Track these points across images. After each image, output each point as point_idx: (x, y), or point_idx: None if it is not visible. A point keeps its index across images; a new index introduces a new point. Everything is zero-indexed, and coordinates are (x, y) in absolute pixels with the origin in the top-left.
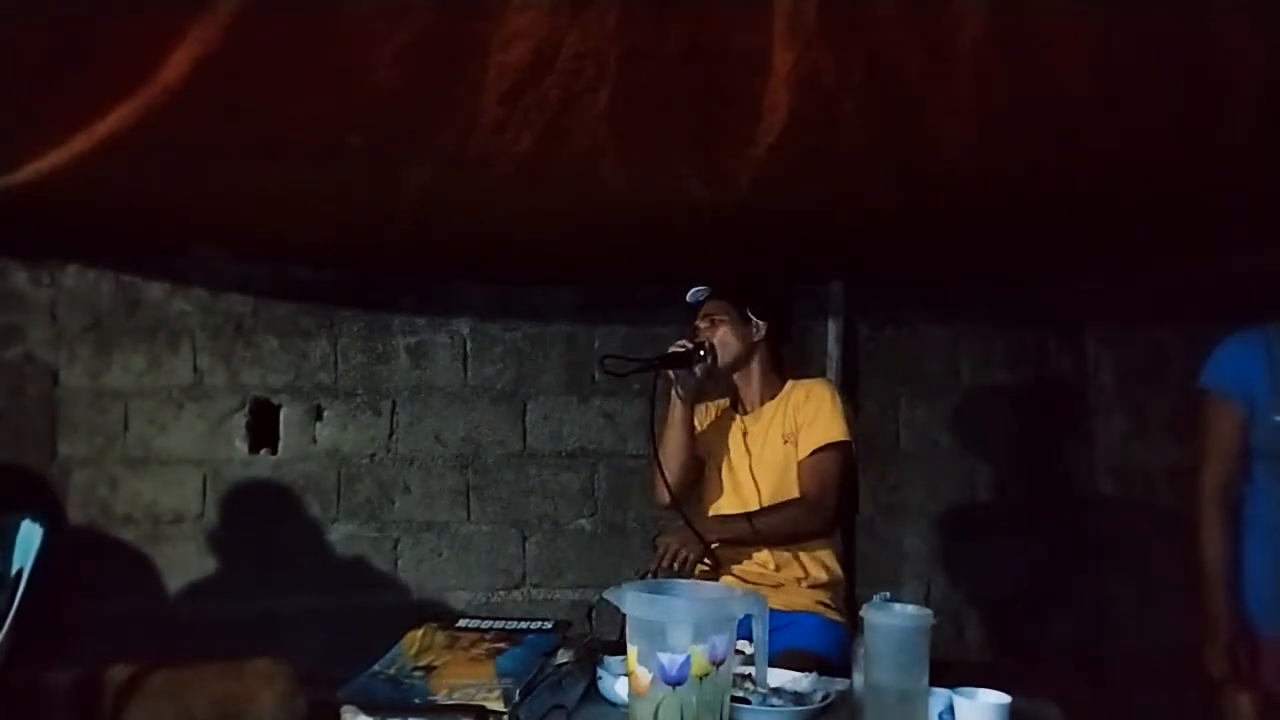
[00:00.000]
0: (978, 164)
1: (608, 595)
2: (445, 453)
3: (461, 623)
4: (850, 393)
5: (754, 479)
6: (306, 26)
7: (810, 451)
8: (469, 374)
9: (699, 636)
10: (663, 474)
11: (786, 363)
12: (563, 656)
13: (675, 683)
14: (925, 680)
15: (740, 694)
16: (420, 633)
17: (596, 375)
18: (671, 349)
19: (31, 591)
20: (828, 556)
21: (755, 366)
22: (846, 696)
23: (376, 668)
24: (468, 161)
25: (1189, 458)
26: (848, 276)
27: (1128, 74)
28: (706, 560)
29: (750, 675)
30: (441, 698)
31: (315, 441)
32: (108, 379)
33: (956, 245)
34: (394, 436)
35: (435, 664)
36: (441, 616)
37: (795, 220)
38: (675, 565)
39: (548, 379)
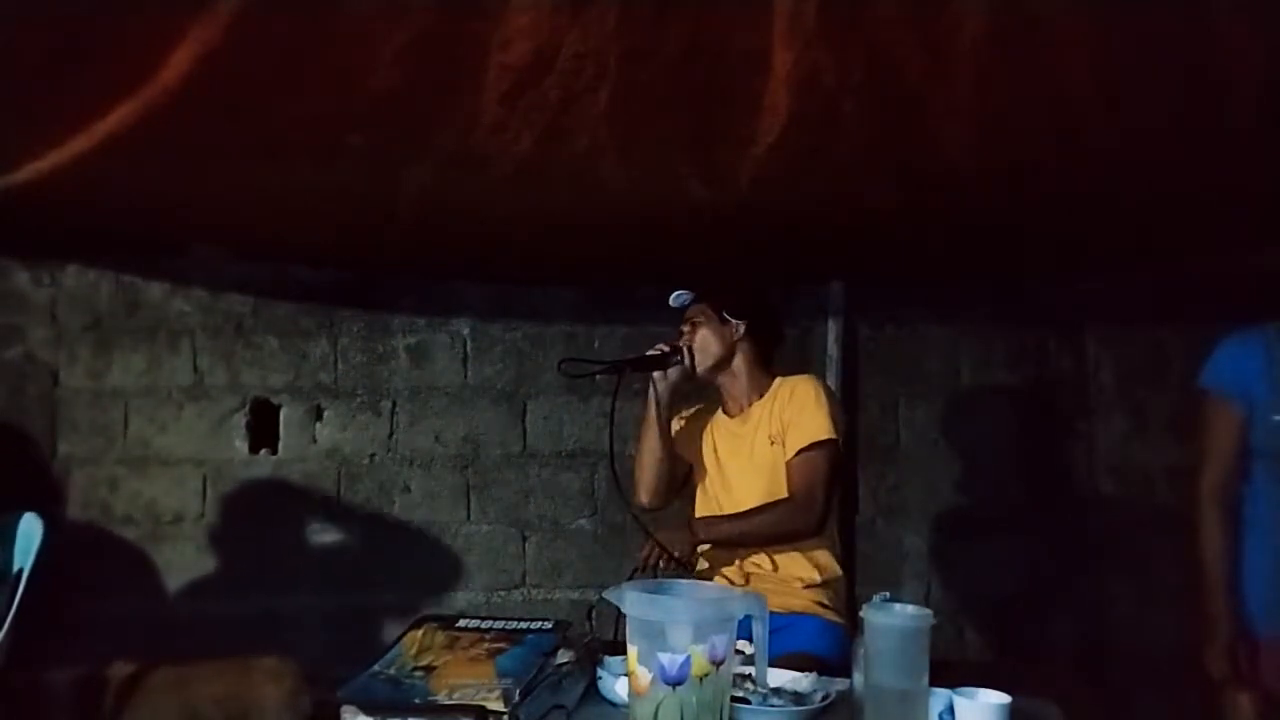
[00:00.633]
0: (978, 164)
1: (608, 595)
2: (445, 453)
3: (461, 623)
4: (850, 393)
5: (744, 481)
6: (306, 26)
7: (796, 451)
8: (469, 374)
9: (699, 636)
10: (618, 477)
11: (780, 362)
12: (563, 656)
13: (675, 683)
14: (925, 680)
15: (740, 694)
16: (420, 633)
17: (597, 376)
18: (649, 352)
19: (32, 591)
20: (825, 556)
21: (740, 366)
22: (846, 696)
23: (376, 668)
24: (468, 161)
25: (1189, 458)
26: (848, 276)
27: (1128, 74)
28: (688, 562)
29: (750, 675)
30: (441, 698)
31: (315, 441)
32: (108, 379)
33: (956, 245)
34: (394, 436)
35: (435, 664)
36: (441, 616)
37: (795, 220)
38: (662, 565)
39: (548, 379)
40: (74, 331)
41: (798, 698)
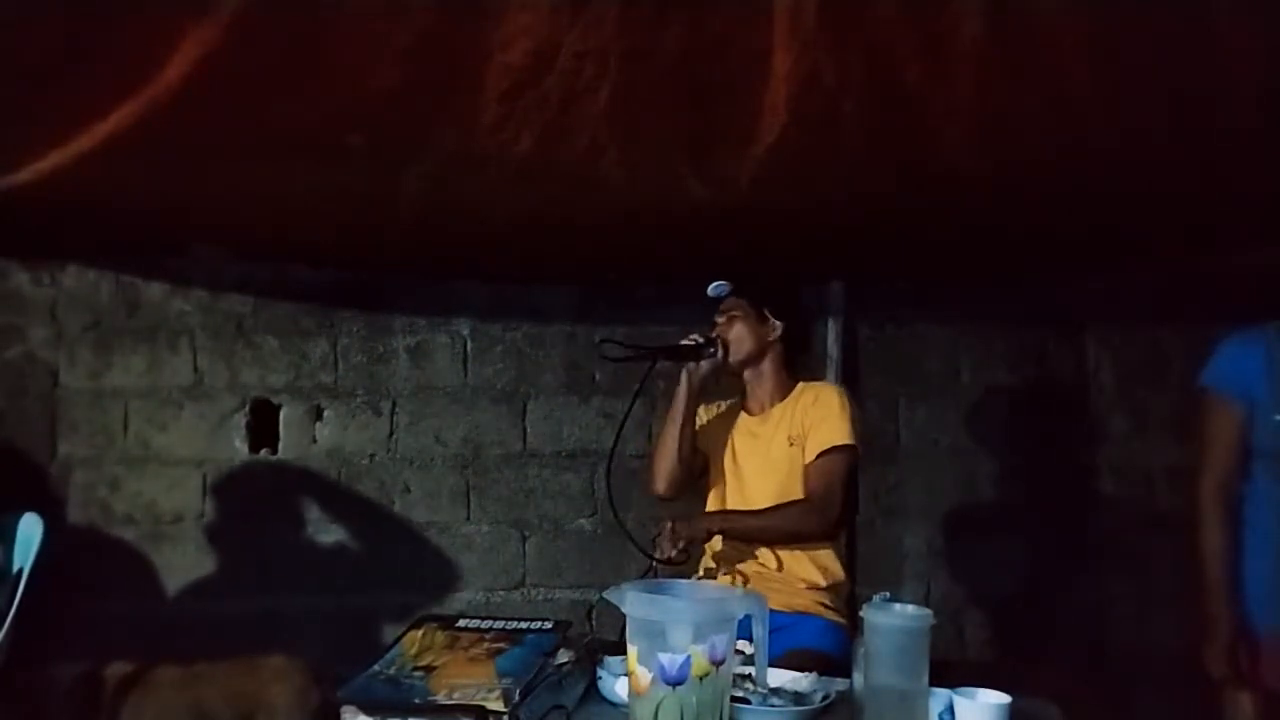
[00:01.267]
0: (978, 164)
1: (608, 595)
2: (445, 453)
3: (461, 623)
4: (850, 393)
5: (758, 479)
6: (306, 27)
7: (816, 454)
8: (469, 374)
9: (699, 636)
10: (611, 475)
11: (798, 367)
12: (563, 656)
13: (675, 683)
14: (925, 680)
15: (740, 694)
16: (420, 633)
17: (597, 375)
18: (682, 342)
19: (31, 591)
20: (830, 558)
21: (768, 366)
22: (846, 696)
23: (376, 668)
24: (468, 161)
25: (1189, 458)
26: (848, 276)
27: (1127, 74)
28: (701, 546)
29: (750, 675)
30: (441, 698)
31: (315, 441)
32: (108, 379)
33: (956, 245)
34: (394, 436)
35: (435, 664)
36: (441, 616)
37: (795, 220)
38: (682, 544)
39: (548, 379)
40: (74, 331)
41: (798, 698)
